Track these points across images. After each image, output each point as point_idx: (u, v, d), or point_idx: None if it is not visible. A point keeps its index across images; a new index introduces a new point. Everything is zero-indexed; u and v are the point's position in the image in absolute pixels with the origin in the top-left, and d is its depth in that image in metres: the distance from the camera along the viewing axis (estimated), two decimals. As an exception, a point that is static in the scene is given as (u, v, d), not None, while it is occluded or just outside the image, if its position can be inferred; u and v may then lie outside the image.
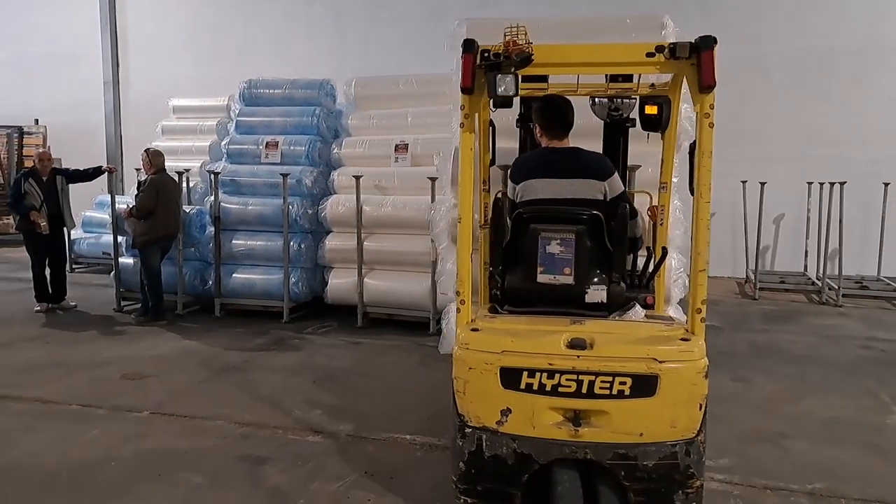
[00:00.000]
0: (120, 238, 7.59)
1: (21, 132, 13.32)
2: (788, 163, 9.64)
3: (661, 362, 2.66)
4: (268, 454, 3.93)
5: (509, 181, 3.37)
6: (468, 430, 2.82)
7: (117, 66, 13.29)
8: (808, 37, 9.63)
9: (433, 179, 6.41)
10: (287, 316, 7.06)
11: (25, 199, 7.18)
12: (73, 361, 5.72)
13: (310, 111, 7.61)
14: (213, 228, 7.30)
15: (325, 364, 5.71)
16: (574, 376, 2.68)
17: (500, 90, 2.74)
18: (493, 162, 3.86)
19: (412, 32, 10.85)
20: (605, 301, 3.08)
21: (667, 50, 2.70)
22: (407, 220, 6.82)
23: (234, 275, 7.31)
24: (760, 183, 8.64)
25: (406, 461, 3.86)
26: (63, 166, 8.64)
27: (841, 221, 8.23)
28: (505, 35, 2.77)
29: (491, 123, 3.70)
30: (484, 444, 2.80)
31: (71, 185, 7.76)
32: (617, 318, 3.08)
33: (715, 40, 2.62)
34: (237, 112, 7.95)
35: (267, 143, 7.50)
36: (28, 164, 13.25)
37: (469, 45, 2.78)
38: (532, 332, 2.87)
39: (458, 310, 2.93)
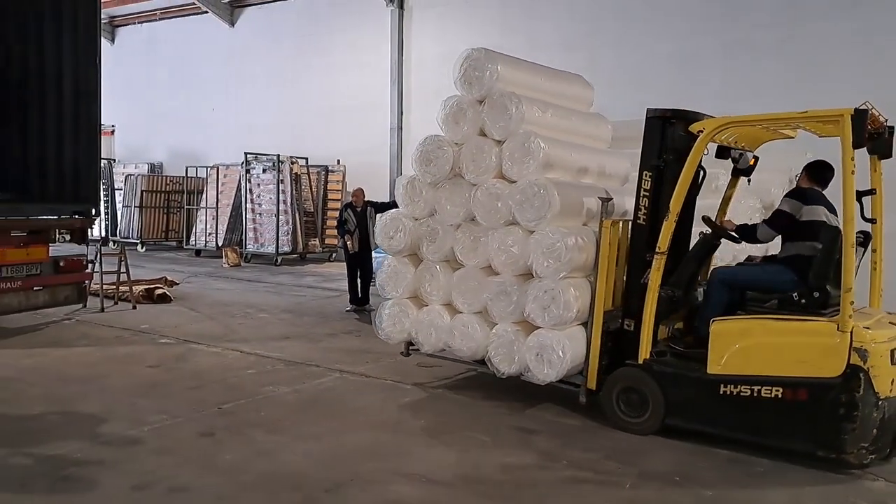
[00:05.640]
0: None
1: (327, 170, 16.54)
2: None
3: None
4: (536, 428, 5.05)
5: (797, 202, 4.78)
6: (881, 402, 4.11)
7: (401, 114, 15.83)
8: None
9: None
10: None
11: (346, 224, 9.30)
12: (378, 350, 7.39)
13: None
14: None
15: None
16: None
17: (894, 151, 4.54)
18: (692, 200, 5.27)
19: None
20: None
21: None
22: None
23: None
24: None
25: (648, 444, 4.75)
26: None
27: None
28: (870, 112, 4.19)
29: (701, 168, 5.02)
30: (886, 410, 4.13)
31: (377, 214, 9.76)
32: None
33: None
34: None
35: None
36: (332, 196, 16.47)
37: (863, 114, 4.14)
38: (876, 323, 4.37)
39: (850, 315, 4.13)
